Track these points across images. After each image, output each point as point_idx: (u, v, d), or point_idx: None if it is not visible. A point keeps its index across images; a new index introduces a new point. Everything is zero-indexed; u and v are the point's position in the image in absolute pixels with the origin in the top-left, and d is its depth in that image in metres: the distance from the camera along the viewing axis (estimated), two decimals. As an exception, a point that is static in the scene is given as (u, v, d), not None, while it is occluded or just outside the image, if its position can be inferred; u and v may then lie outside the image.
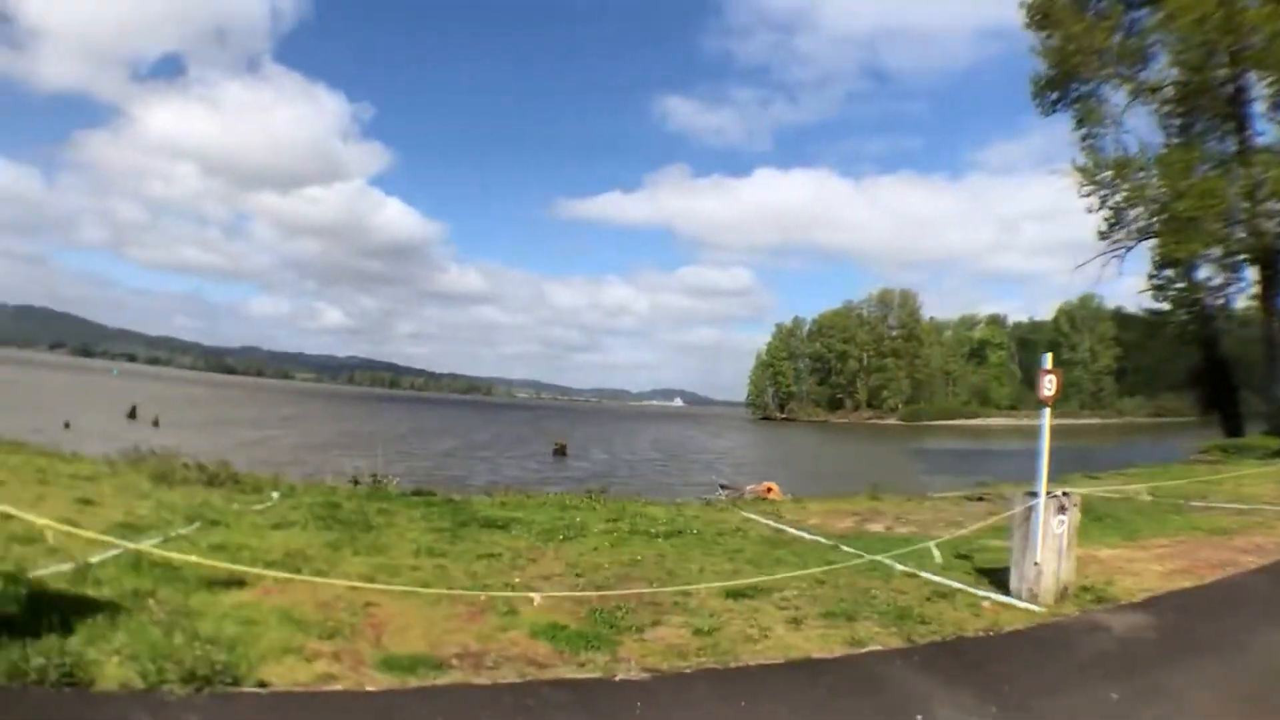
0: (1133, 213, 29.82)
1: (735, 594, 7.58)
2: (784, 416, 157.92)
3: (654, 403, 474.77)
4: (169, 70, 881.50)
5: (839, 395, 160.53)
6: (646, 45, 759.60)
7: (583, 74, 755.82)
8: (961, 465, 49.36)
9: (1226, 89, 28.61)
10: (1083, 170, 29.73)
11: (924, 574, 8.81)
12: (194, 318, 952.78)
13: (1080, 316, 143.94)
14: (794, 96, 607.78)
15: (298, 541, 9.10)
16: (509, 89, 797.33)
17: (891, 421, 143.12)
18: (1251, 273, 30.46)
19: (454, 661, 5.53)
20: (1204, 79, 27.90)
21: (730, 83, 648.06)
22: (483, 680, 5.26)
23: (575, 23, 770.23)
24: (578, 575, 8.40)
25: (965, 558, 9.77)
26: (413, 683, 5.12)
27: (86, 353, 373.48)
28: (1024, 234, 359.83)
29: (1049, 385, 8.18)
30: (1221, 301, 32.49)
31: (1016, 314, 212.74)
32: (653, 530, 11.39)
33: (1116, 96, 30.07)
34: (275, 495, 13.53)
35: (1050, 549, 7.98)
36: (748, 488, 21.85)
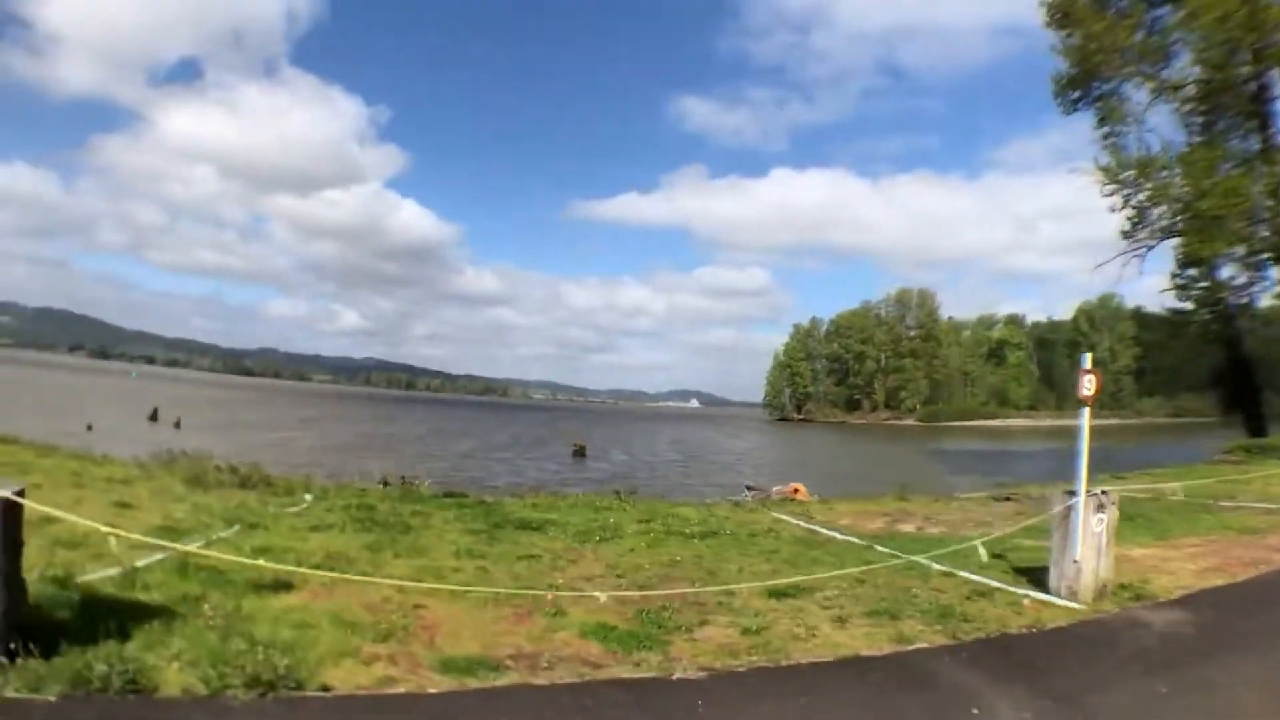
0: (1156, 212, 29.71)
1: (778, 594, 7.66)
2: (801, 417, 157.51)
3: (670, 404, 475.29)
4: (186, 74, 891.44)
5: (856, 396, 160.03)
6: (663, 46, 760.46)
7: (599, 76, 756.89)
8: (982, 466, 49.24)
9: (1249, 87, 28.50)
10: (1105, 170, 29.61)
11: (962, 573, 8.88)
12: (212, 320, 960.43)
13: (1100, 316, 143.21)
14: (810, 96, 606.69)
15: (338, 544, 9.17)
16: (524, 91, 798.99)
17: (909, 422, 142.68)
18: (1275, 271, 30.32)
19: (509, 662, 5.58)
20: (1226, 77, 27.79)
21: (746, 83, 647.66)
22: (541, 681, 5.31)
23: (591, 25, 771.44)
24: (619, 576, 8.49)
25: (1000, 557, 9.81)
26: (472, 684, 5.18)
27: (104, 355, 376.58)
28: (1042, 233, 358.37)
29: (1088, 385, 8.21)
30: (1245, 301, 32.29)
31: (1035, 314, 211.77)
32: (687, 531, 11.47)
33: (1138, 95, 29.96)
34: (308, 497, 13.66)
35: (1090, 547, 8.03)
36: (774, 489, 21.89)
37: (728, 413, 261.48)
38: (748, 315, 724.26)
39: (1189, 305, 34.38)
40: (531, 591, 7.31)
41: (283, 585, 6.87)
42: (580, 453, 52.74)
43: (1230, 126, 29.48)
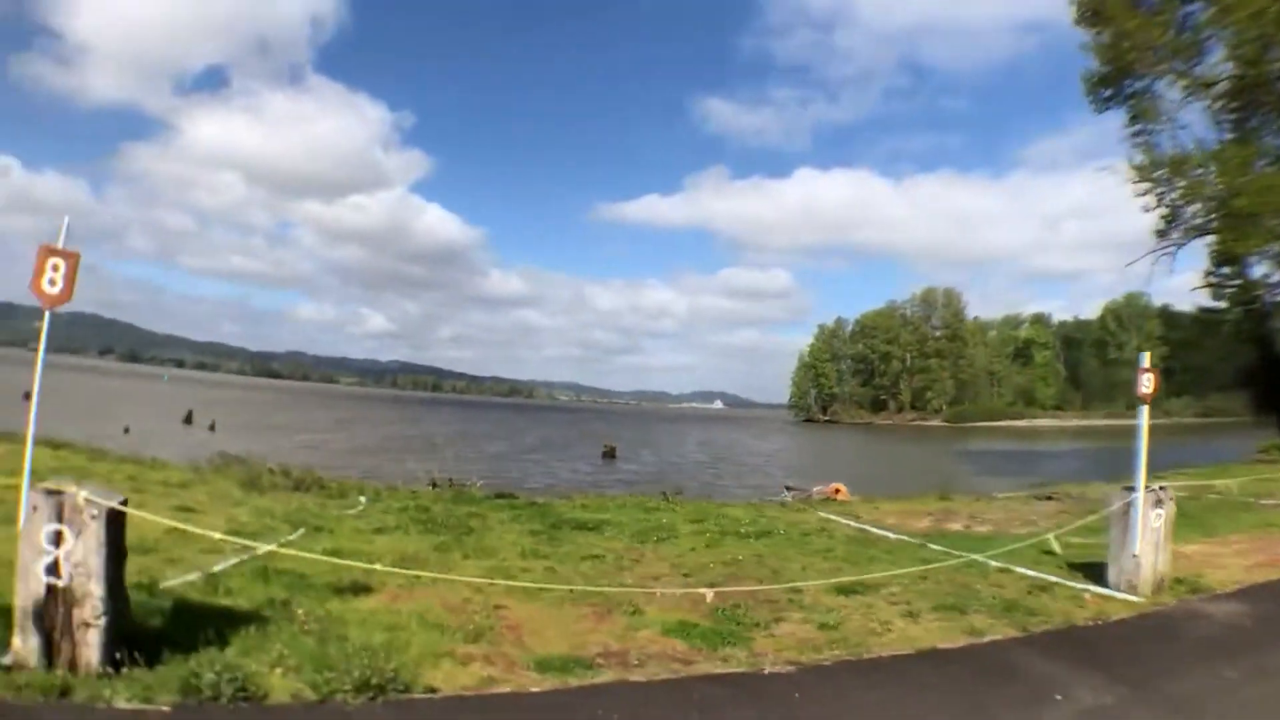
0: (1189, 210, 29.56)
1: (845, 590, 7.86)
2: (827, 419, 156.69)
3: (694, 405, 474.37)
4: (213, 82, 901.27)
5: (882, 397, 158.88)
6: (685, 48, 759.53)
7: (621, 78, 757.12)
8: (1011, 466, 49.09)
9: (1283, 83, 28.29)
10: (1139, 168, 29.49)
11: (1019, 569, 9.09)
12: (240, 323, 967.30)
13: (1127, 315, 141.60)
14: (833, 95, 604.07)
15: (407, 546, 9.43)
16: (548, 94, 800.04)
17: (935, 423, 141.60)
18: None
19: (600, 661, 5.69)
20: (1260, 73, 27.55)
21: (769, 83, 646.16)
22: (638, 678, 5.44)
23: (614, 27, 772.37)
24: (685, 575, 8.70)
25: (1051, 554, 10.00)
26: (573, 682, 5.28)
27: (135, 358, 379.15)
28: (1067, 232, 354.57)
29: (1147, 383, 8.38)
30: (1278, 299, 32.02)
31: (1061, 313, 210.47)
32: (741, 531, 11.70)
33: (1170, 92, 29.75)
34: (363, 500, 13.99)
35: (1148, 542, 8.22)
36: (815, 489, 21.99)
37: (752, 414, 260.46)
38: (771, 316, 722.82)
39: (1222, 304, 34.14)
40: (627, 590, 7.54)
41: (361, 588, 7.03)
42: (610, 454, 52.64)
43: (1264, 123, 29.18)
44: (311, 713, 4.47)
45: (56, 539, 4.52)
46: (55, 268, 5.33)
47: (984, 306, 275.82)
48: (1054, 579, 8.74)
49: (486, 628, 6.16)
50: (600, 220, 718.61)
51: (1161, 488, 8.57)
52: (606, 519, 12.61)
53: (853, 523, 13.25)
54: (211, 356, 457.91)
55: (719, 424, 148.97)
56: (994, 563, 9.24)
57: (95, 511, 4.55)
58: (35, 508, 4.55)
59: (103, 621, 4.55)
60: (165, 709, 4.30)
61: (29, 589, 4.54)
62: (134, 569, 6.43)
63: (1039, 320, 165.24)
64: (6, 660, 4.52)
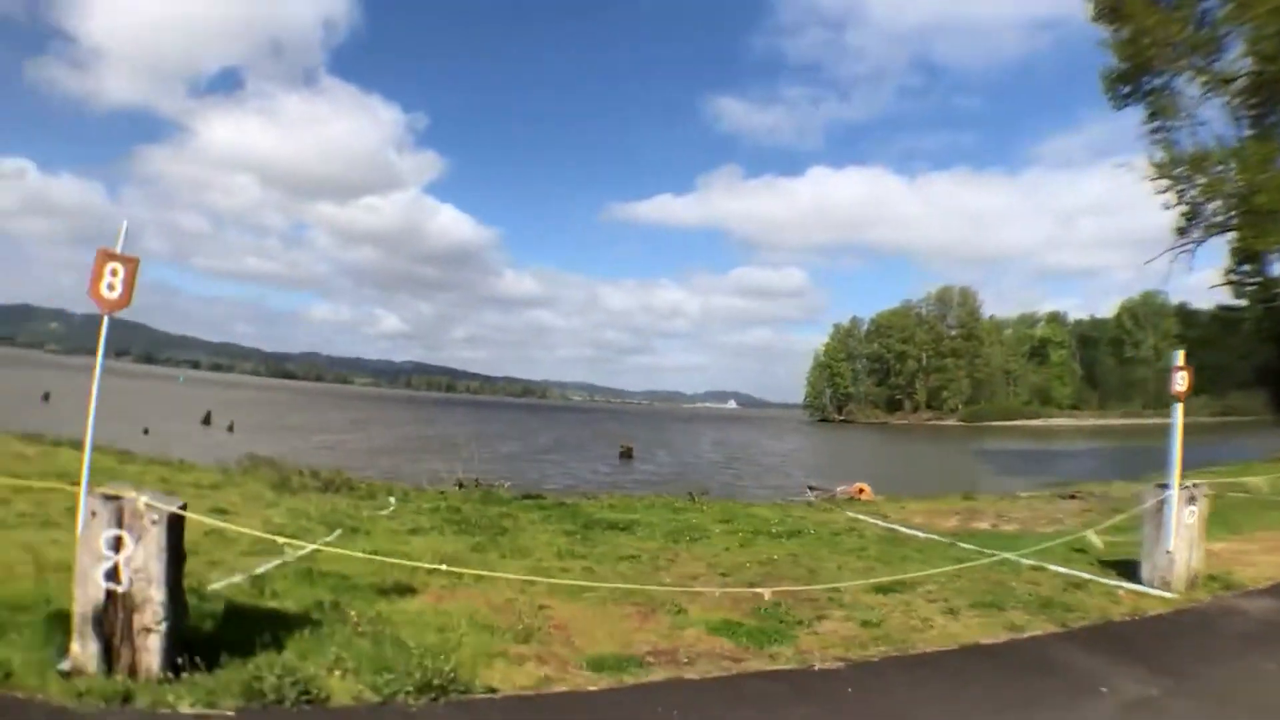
0: (1209, 207, 29.49)
1: (882, 589, 7.95)
2: (842, 418, 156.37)
3: (707, 405, 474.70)
4: (227, 84, 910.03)
5: (897, 396, 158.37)
6: (696, 47, 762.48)
7: (633, 78, 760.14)
8: (1030, 466, 49.11)
9: (1304, 79, 28.17)
10: (1159, 165, 29.43)
11: (1051, 567, 9.18)
12: (255, 324, 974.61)
13: (1143, 313, 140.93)
14: (846, 94, 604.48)
15: (443, 546, 9.55)
16: (560, 93, 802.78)
17: (951, 422, 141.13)
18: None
19: (650, 659, 5.72)
20: (1279, 69, 27.53)
21: (781, 81, 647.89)
22: (692, 675, 5.47)
23: (625, 28, 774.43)
24: (723, 575, 8.79)
25: (1082, 551, 10.08)
26: (628, 681, 5.31)
27: (151, 359, 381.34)
28: (1082, 229, 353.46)
29: (1180, 381, 8.45)
30: (1301, 297, 31.89)
31: (1076, 311, 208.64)
32: (772, 531, 11.83)
33: (1190, 88, 29.68)
34: (392, 501, 14.12)
35: (1182, 539, 8.30)
36: (838, 488, 22.09)
37: (766, 414, 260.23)
38: (785, 316, 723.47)
39: (1242, 302, 34.03)
40: (668, 589, 7.64)
41: (405, 589, 7.09)
42: (627, 454, 52.65)
43: (1284, 120, 29.15)
44: (374, 714, 4.48)
45: (116, 544, 4.50)
46: (114, 272, 5.37)
47: (998, 304, 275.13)
48: (1087, 576, 8.83)
49: (535, 628, 6.20)
50: (613, 220, 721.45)
51: (1195, 485, 8.64)
52: (636, 519, 12.71)
53: (881, 522, 13.35)
54: (226, 357, 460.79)
55: (733, 424, 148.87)
56: (1027, 561, 9.32)
57: (156, 516, 4.53)
58: (94, 513, 4.52)
59: (164, 627, 4.55)
60: (229, 713, 4.32)
61: (88, 595, 4.50)
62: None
63: (1055, 319, 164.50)
64: (64, 666, 4.50)
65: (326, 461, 22.22)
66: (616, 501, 16.00)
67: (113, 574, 4.49)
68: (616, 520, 12.48)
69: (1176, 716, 5.04)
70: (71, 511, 8.62)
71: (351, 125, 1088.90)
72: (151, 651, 4.54)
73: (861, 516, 14.01)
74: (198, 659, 4.63)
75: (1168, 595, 8.14)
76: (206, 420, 53.77)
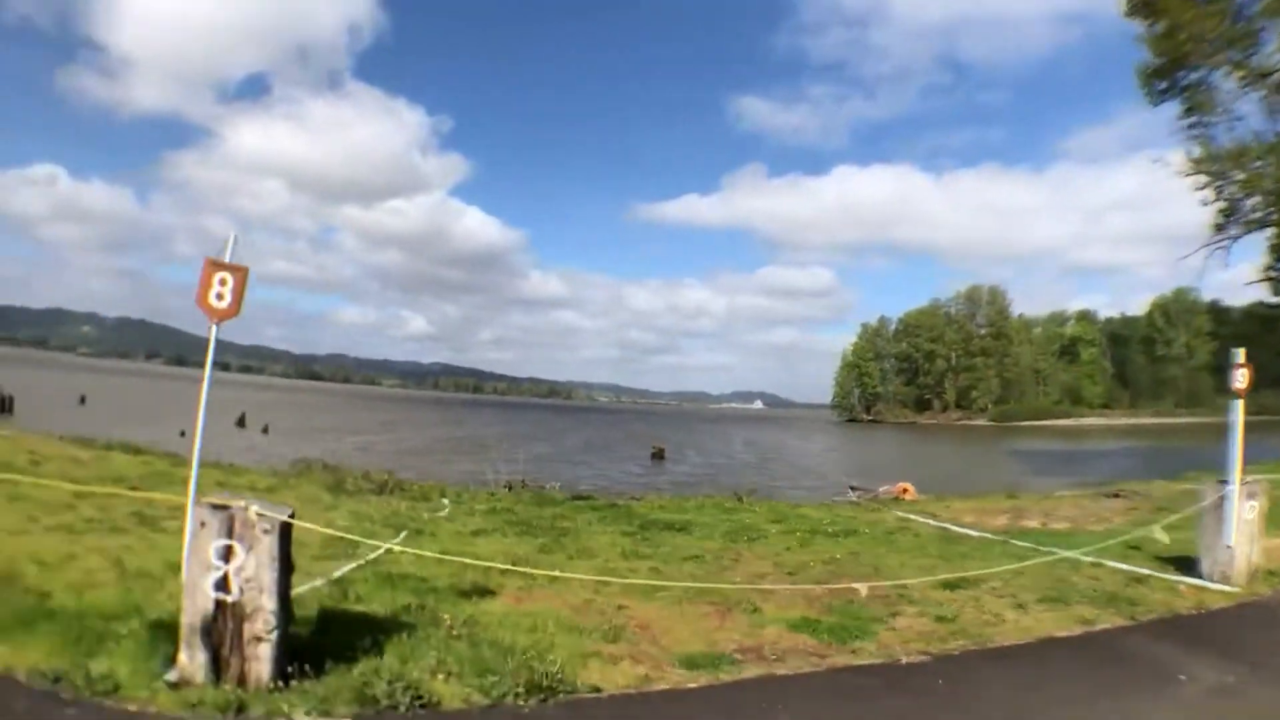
0: (1248, 202, 29.28)
1: (950, 585, 8.14)
2: (870, 418, 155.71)
3: (734, 405, 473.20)
4: (254, 90, 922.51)
5: (926, 396, 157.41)
6: (720, 46, 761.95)
7: (657, 79, 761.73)
8: (1064, 466, 48.96)
9: (1340, 73, 27.95)
10: (1196, 160, 29.27)
11: (1110, 563, 9.33)
12: (283, 327, 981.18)
13: (1175, 311, 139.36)
14: (870, 91, 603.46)
15: (511, 548, 9.73)
16: (584, 95, 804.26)
17: (981, 422, 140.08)
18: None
19: (738, 656, 5.80)
20: (1316, 63, 27.30)
21: (805, 80, 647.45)
22: (784, 671, 5.58)
23: (649, 29, 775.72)
24: (789, 574, 8.95)
25: (1136, 548, 10.19)
26: (724, 678, 5.40)
27: (181, 362, 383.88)
28: (1111, 225, 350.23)
29: (1240, 378, 8.58)
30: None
31: (1105, 309, 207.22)
32: (828, 530, 12.02)
33: (1226, 83, 29.48)
34: (446, 502, 14.34)
35: (1243, 534, 8.44)
36: (881, 488, 22.22)
37: (793, 414, 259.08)
38: (811, 315, 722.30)
39: (1280, 299, 33.74)
40: (739, 587, 7.92)
41: (483, 591, 7.18)
42: (659, 455, 52.72)
43: (1321, 114, 28.90)
44: (487, 717, 4.51)
45: (226, 554, 4.54)
46: (223, 282, 5.60)
47: (1026, 302, 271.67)
48: (1146, 571, 8.98)
49: (619, 627, 6.30)
50: (638, 220, 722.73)
51: (1254, 481, 8.78)
52: (690, 520, 12.90)
53: (932, 521, 13.50)
54: (256, 359, 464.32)
55: (761, 424, 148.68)
56: (1086, 557, 9.46)
57: (268, 526, 4.59)
58: (203, 523, 4.56)
59: (274, 635, 4.60)
60: (345, 721, 4.37)
61: (196, 605, 4.54)
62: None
63: (1085, 317, 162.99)
64: (171, 677, 4.53)
65: (361, 463, 22.44)
66: (666, 503, 16.20)
67: (222, 584, 4.55)
68: (672, 521, 12.65)
69: (1257, 701, 5.26)
70: (137, 516, 9.07)
71: (377, 129, 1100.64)
72: (262, 660, 4.58)
73: (911, 516, 14.16)
74: (307, 666, 4.70)
75: (1229, 589, 8.29)
76: (241, 422, 53.88)
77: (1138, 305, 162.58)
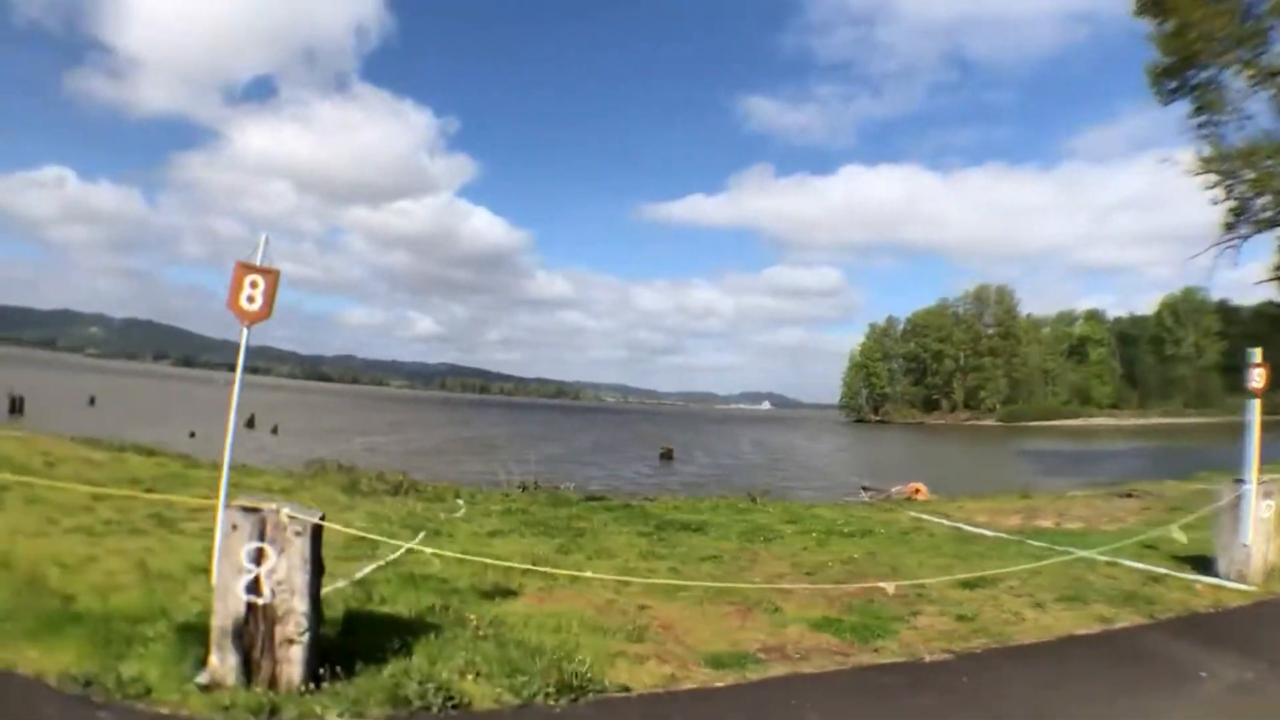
0: (1259, 202, 29.24)
1: (968, 585, 8.20)
2: (878, 419, 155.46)
3: (741, 406, 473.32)
4: (261, 92, 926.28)
5: (934, 396, 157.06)
6: (726, 46, 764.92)
7: (664, 79, 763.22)
8: (1074, 466, 48.90)
9: (1350, 72, 27.90)
10: (1206, 160, 29.24)
11: (1126, 562, 9.39)
12: (291, 328, 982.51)
13: (1184, 310, 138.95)
14: (877, 91, 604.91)
15: (529, 548, 9.76)
16: (590, 95, 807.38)
17: (989, 422, 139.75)
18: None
19: (763, 655, 5.85)
20: (1324, 63, 27.27)
21: (812, 80, 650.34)
22: (809, 669, 5.63)
23: (656, 30, 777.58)
24: (807, 574, 8.99)
25: (1152, 547, 10.24)
26: (751, 677, 5.44)
27: (189, 363, 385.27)
28: (1119, 224, 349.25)
29: (1257, 378, 8.64)
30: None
31: (1113, 308, 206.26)
32: (844, 531, 12.07)
33: (1236, 82, 29.45)
34: (461, 503, 14.39)
35: (1260, 533, 8.50)
36: (893, 488, 22.28)
37: (800, 414, 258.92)
38: (819, 315, 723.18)
39: (1291, 298, 33.68)
40: (759, 587, 8.01)
41: (505, 591, 7.21)
42: (668, 456, 52.55)
43: (1331, 115, 28.84)
44: (519, 717, 4.53)
45: (257, 557, 4.56)
46: (254, 284, 5.69)
47: (1033, 301, 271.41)
48: (1163, 570, 9.05)
49: (643, 627, 6.34)
50: (644, 221, 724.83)
51: (1271, 480, 8.82)
52: (706, 520, 12.96)
53: (946, 521, 13.55)
54: (263, 360, 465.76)
55: (769, 425, 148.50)
56: (1101, 557, 9.52)
57: (299, 528, 4.60)
58: (235, 526, 4.58)
59: (306, 637, 4.61)
60: (381, 723, 4.37)
61: (228, 608, 4.57)
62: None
63: (1093, 317, 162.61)
64: (202, 680, 4.55)
65: (371, 464, 22.50)
66: (681, 503, 16.26)
67: (254, 586, 4.57)
68: (687, 521, 12.71)
69: (1276, 698, 5.35)
70: (156, 518, 9.16)
71: (384, 130, 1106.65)
72: (294, 663, 4.59)
73: (924, 516, 14.21)
74: (338, 668, 4.71)
75: (1245, 587, 8.35)
76: (250, 423, 53.76)
77: (1146, 305, 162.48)
